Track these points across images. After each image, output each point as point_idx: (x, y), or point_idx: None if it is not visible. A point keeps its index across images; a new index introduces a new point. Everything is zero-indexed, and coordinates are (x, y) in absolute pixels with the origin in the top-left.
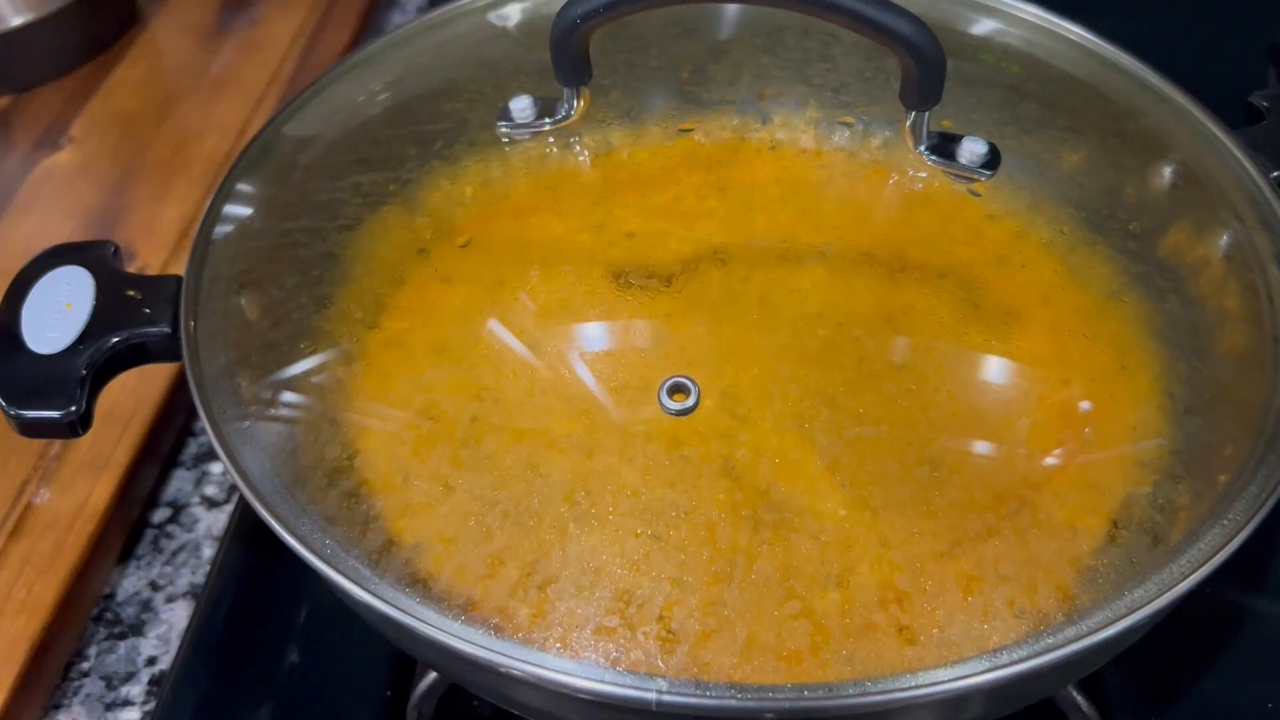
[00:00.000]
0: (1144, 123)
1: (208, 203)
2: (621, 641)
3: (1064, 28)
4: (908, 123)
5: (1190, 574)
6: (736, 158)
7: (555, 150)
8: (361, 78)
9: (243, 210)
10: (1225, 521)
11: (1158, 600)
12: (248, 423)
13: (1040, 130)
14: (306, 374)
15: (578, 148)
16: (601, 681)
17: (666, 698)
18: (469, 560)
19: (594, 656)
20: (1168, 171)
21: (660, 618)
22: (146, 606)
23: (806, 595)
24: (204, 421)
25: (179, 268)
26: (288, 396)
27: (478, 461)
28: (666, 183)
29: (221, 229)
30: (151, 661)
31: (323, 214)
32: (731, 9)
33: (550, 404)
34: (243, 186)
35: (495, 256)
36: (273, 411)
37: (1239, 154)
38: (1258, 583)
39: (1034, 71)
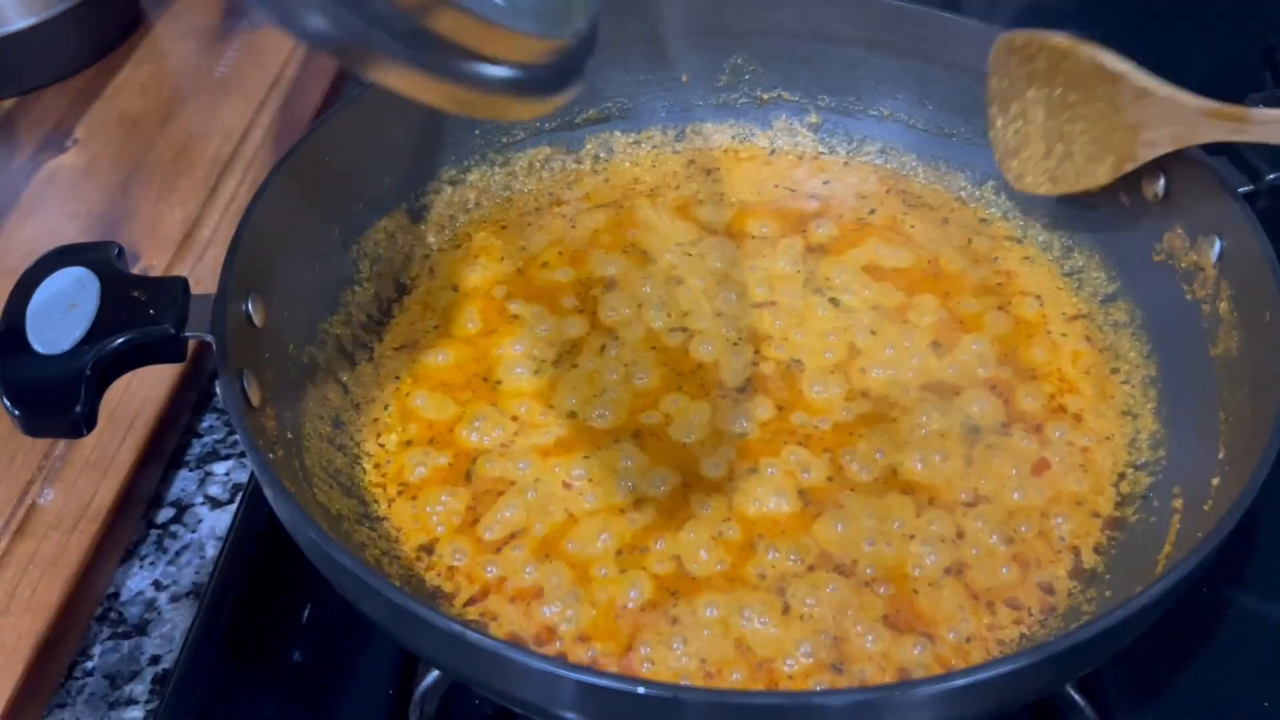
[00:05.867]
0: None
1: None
2: None
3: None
4: None
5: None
6: None
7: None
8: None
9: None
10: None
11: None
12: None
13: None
14: (317, 377)
15: None
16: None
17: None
18: (471, 556)
19: None
20: (1161, 179)
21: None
22: (150, 606)
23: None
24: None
25: (182, 269)
26: (301, 398)
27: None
28: None
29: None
30: (155, 660)
31: (345, 225)
32: None
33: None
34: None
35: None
36: (286, 413)
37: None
38: (1257, 583)
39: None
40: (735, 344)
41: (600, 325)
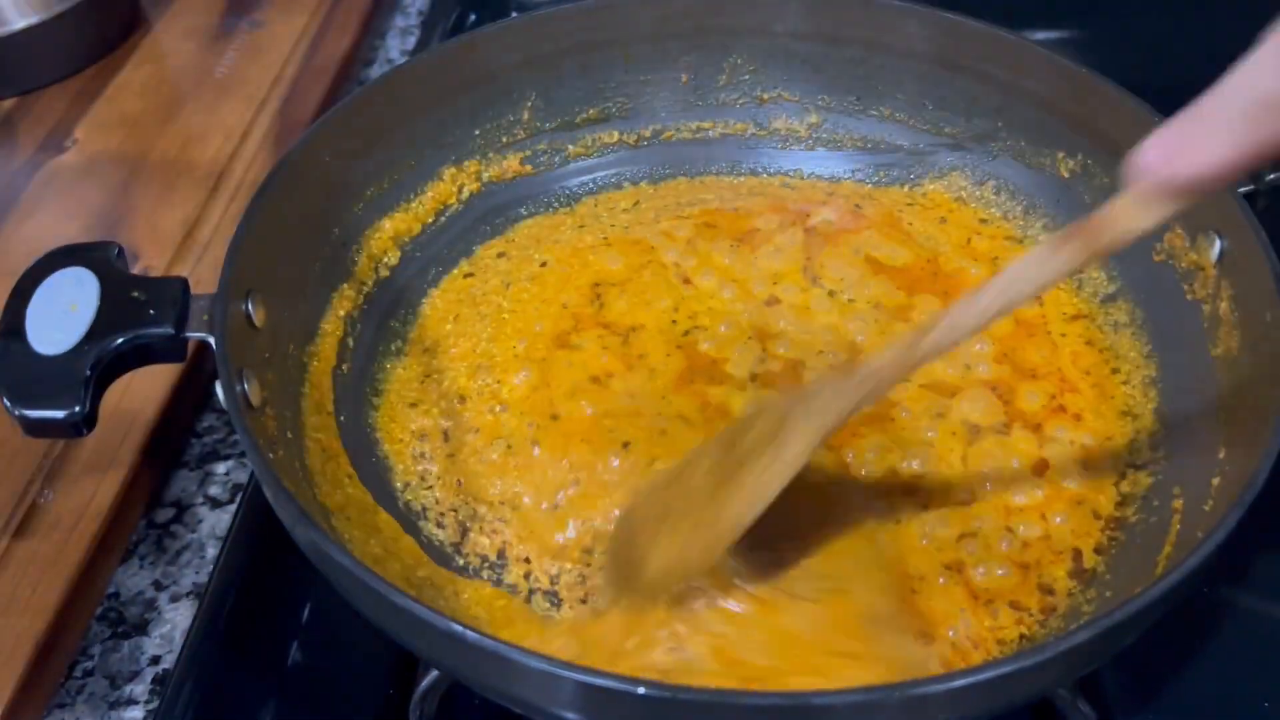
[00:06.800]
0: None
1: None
2: None
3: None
4: None
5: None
6: None
7: None
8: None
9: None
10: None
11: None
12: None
13: (1036, 140)
14: (313, 377)
15: None
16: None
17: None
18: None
19: None
20: None
21: None
22: (150, 606)
23: None
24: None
25: (182, 269)
26: (301, 398)
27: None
28: None
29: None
30: (155, 660)
31: (345, 225)
32: None
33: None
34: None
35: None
36: (287, 413)
37: None
38: (1257, 583)
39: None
40: (743, 342)
41: (604, 323)
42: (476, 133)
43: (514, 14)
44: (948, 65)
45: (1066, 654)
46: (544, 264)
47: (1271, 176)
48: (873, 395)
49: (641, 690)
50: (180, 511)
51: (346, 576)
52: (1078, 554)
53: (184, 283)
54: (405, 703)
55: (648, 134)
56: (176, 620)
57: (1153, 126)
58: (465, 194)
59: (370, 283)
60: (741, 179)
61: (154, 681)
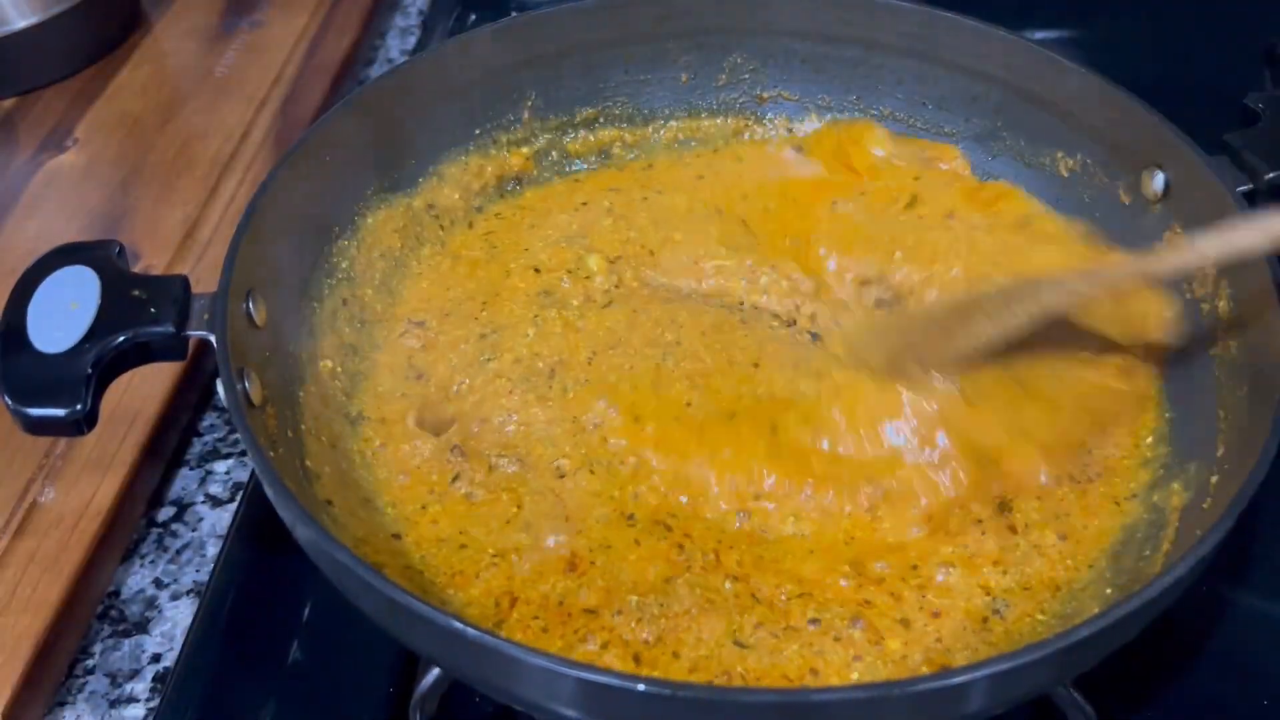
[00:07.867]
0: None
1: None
2: None
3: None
4: None
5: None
6: None
7: None
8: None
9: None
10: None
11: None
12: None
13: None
14: (312, 374)
15: None
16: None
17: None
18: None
19: None
20: (1160, 178)
21: None
22: (151, 604)
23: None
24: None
25: (183, 268)
26: (298, 395)
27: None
28: None
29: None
30: (156, 658)
31: (345, 223)
32: None
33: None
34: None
35: None
36: (288, 411)
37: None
38: (1257, 582)
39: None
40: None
41: (602, 307)
42: (476, 132)
43: (514, 14)
44: (948, 65)
45: (1066, 651)
46: (538, 269)
47: (1270, 175)
48: (1083, 297)
49: (641, 687)
50: (181, 510)
51: (347, 574)
52: (1073, 551)
53: (185, 281)
54: (405, 702)
55: (647, 133)
56: (177, 618)
57: (1151, 125)
58: (465, 192)
59: (371, 280)
60: None
61: (155, 679)
